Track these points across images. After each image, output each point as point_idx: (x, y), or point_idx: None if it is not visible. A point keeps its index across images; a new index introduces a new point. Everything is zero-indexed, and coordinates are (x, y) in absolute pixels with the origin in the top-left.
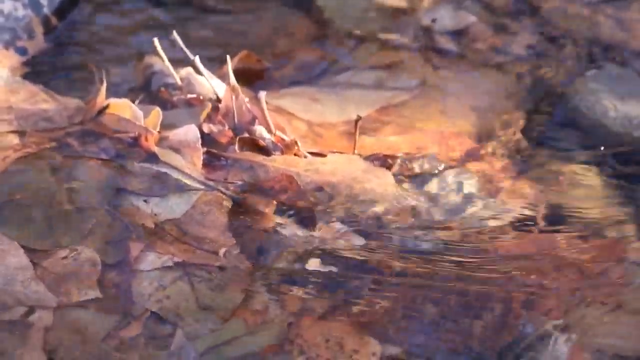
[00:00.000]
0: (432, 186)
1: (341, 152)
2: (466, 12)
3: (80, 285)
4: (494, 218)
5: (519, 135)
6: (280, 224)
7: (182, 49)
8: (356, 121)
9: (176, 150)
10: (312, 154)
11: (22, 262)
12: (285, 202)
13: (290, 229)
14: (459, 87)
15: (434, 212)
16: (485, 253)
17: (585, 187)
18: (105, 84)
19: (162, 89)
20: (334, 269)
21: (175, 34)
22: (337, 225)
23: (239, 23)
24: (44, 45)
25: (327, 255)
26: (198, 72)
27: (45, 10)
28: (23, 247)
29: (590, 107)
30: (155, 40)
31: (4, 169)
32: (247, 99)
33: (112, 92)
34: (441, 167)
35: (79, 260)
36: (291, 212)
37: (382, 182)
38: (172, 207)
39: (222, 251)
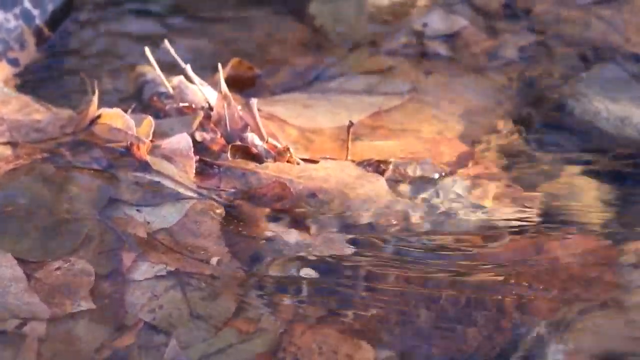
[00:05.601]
0: (426, 191)
1: (334, 159)
2: (458, 16)
3: (73, 296)
4: (487, 222)
5: (511, 139)
6: (273, 232)
7: (173, 57)
8: (348, 127)
9: (169, 159)
10: (304, 160)
11: (16, 273)
12: (278, 209)
13: (283, 236)
14: (451, 92)
15: (427, 217)
16: (479, 257)
17: (579, 189)
18: (97, 94)
19: (154, 97)
20: (326, 275)
21: (166, 43)
22: (330, 232)
23: (231, 31)
24: (36, 56)
25: (320, 262)
26: (190, 80)
27: (37, 21)
28: (16, 258)
29: (582, 109)
30: (147, 49)
31: None
32: (239, 107)
33: (104, 101)
34: (434, 172)
35: (72, 271)
36: (284, 219)
37: (375, 188)
38: (165, 216)
39: (214, 260)
